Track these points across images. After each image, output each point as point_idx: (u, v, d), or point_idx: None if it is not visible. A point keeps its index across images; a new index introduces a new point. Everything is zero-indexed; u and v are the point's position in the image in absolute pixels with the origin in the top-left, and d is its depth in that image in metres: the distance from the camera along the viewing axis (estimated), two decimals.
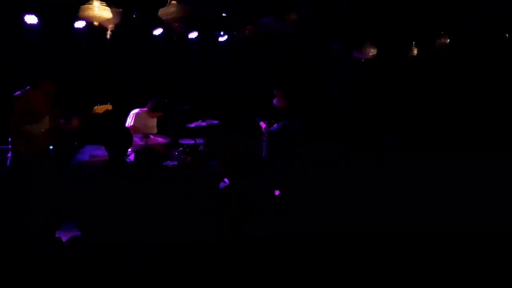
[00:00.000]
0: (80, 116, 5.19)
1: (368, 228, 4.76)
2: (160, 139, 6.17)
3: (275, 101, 7.24)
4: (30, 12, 6.34)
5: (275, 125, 7.04)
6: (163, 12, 7.01)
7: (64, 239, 4.57)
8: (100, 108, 5.38)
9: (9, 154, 4.86)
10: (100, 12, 6.11)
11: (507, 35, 8.64)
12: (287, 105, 7.18)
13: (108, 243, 3.71)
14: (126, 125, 6.25)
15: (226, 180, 6.48)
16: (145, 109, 6.37)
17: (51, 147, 5.04)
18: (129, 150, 6.06)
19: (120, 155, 3.79)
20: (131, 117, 6.28)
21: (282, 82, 7.37)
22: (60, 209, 4.96)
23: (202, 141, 6.67)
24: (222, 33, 8.54)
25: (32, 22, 6.41)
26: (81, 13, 6.11)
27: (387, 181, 6.56)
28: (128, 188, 3.65)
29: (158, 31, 7.66)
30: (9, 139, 4.86)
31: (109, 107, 5.43)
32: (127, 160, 6.02)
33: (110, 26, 6.74)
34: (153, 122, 6.49)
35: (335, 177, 6.78)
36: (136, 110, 6.34)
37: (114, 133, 3.78)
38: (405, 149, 7.90)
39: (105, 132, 3.73)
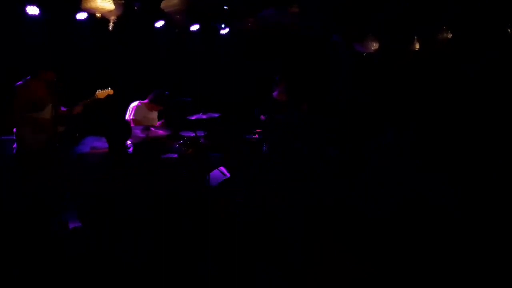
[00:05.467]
0: (82, 102, 5.22)
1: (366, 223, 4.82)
2: (161, 132, 6.18)
3: (275, 93, 7.27)
4: (32, 3, 6.34)
5: (274, 119, 7.07)
6: (165, 4, 7.02)
7: (64, 232, 4.62)
8: (101, 93, 5.41)
9: (15, 145, 4.90)
10: (103, 3, 6.12)
11: (509, 30, 8.61)
12: (287, 98, 7.20)
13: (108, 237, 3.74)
14: (126, 117, 6.26)
15: (222, 168, 6.51)
16: (145, 101, 6.38)
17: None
18: (129, 142, 6.10)
19: (119, 146, 3.82)
20: (131, 110, 6.27)
21: (285, 74, 7.38)
22: (62, 200, 5.01)
23: (202, 134, 6.67)
24: (223, 25, 8.52)
25: (33, 13, 6.41)
26: (84, 4, 6.12)
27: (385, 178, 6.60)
28: (127, 181, 3.69)
29: (160, 23, 7.65)
30: (14, 129, 4.90)
31: (110, 92, 5.46)
32: (128, 152, 6.04)
33: (112, 18, 6.74)
34: (154, 114, 6.49)
35: (333, 174, 6.84)
36: (135, 103, 6.33)
37: (113, 123, 3.82)
38: (405, 142, 7.93)
39: (105, 122, 3.78)
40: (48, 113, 4.91)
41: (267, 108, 7.17)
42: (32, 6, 6.36)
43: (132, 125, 6.12)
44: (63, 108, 5.17)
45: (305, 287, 3.64)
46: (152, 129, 6.04)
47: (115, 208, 5.03)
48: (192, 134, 6.51)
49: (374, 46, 9.12)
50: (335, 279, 3.67)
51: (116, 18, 6.78)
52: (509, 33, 8.34)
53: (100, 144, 5.89)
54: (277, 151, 7.00)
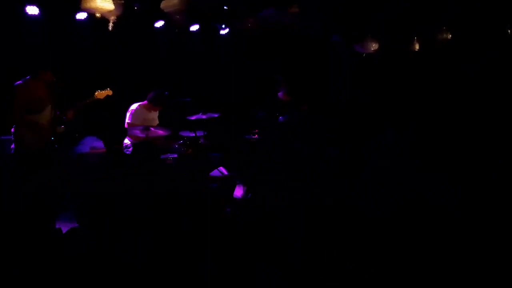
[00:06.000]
0: (75, 107, 5.22)
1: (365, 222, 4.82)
2: (161, 132, 6.17)
3: (280, 94, 7.28)
4: (32, 3, 6.34)
5: (279, 119, 7.09)
6: (165, 4, 7.02)
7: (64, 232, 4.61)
8: (101, 94, 5.42)
9: (13, 146, 4.90)
10: (102, 3, 6.13)
11: (509, 30, 8.62)
12: (290, 99, 7.22)
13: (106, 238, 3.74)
14: (125, 121, 6.25)
15: (222, 168, 6.51)
16: (144, 102, 6.36)
17: (52, 138, 5.06)
18: (129, 142, 6.10)
19: (115, 146, 3.82)
20: (129, 114, 6.26)
21: (284, 75, 7.38)
22: (61, 200, 5.01)
23: (202, 134, 6.67)
24: (223, 25, 8.52)
25: (33, 13, 6.40)
26: (83, 4, 6.12)
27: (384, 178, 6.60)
28: (126, 181, 3.69)
29: (160, 23, 7.65)
30: (12, 129, 4.89)
31: (109, 92, 5.47)
32: (126, 152, 6.04)
33: (112, 18, 6.74)
34: (154, 115, 6.48)
35: (333, 174, 6.83)
36: (134, 106, 6.30)
37: (112, 124, 3.83)
38: (405, 142, 7.92)
39: (104, 122, 3.78)
40: (47, 113, 4.91)
41: (268, 108, 7.19)
42: (32, 6, 6.35)
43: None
44: (57, 112, 5.16)
45: (305, 287, 3.64)
46: (152, 129, 6.04)
47: (115, 208, 5.02)
48: (192, 134, 6.51)
49: (374, 46, 9.13)
50: (335, 279, 3.67)
51: (116, 18, 6.78)
52: (509, 33, 8.35)
53: (99, 144, 5.90)
54: (277, 151, 7.00)
